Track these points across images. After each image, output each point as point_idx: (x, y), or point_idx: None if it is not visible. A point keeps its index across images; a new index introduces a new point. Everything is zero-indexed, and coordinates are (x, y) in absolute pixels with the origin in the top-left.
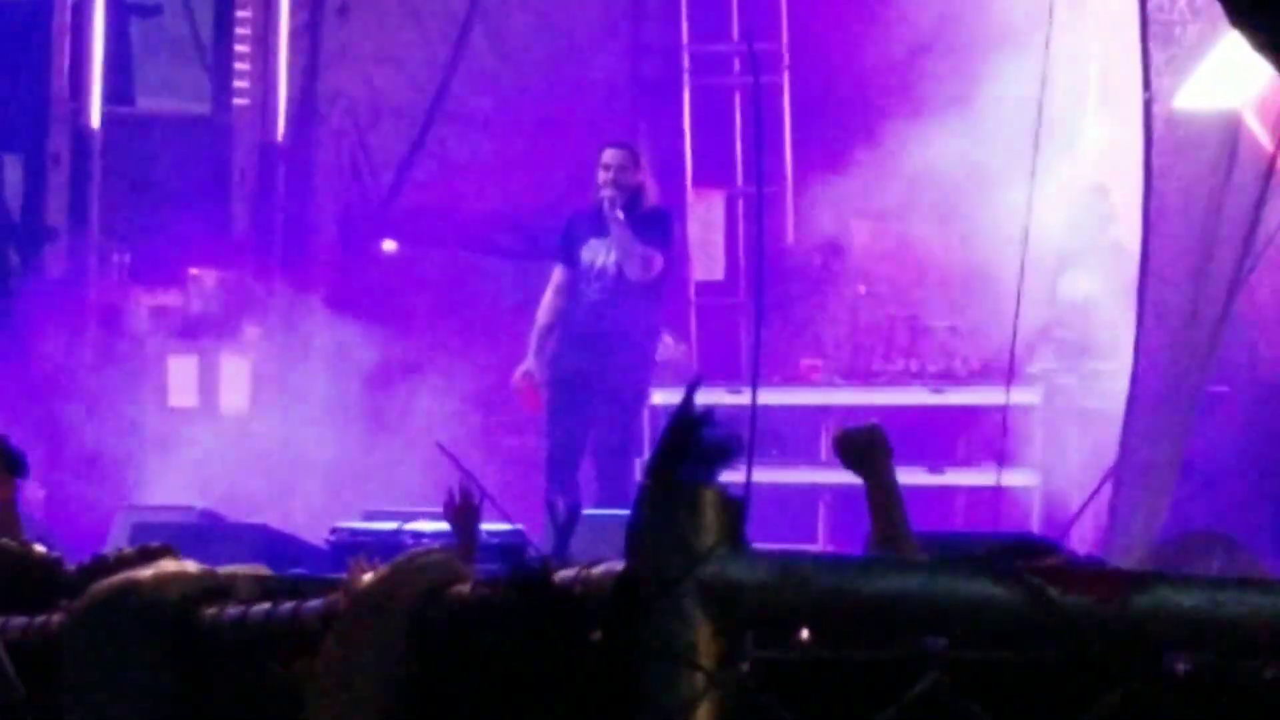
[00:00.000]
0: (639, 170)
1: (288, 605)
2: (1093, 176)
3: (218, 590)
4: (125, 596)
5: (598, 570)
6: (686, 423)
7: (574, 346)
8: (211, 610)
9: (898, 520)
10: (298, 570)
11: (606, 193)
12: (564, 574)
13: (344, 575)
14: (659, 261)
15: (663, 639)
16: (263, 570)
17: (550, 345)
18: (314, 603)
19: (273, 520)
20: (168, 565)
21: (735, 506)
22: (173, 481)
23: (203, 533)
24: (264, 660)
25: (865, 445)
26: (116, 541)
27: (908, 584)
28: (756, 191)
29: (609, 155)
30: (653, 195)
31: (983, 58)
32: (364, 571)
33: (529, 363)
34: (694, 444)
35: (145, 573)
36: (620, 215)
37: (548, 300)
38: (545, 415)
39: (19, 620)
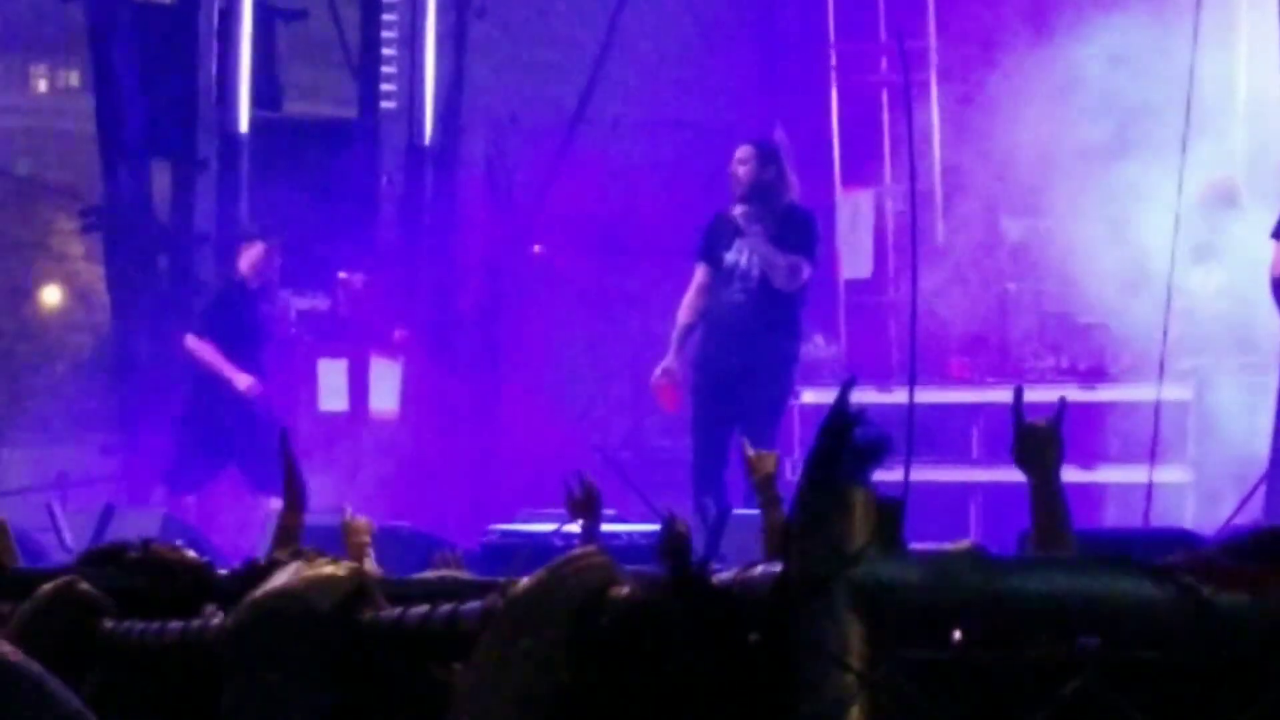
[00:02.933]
0: (769, 166)
1: (445, 608)
2: (1239, 174)
3: (370, 592)
4: (280, 605)
5: (755, 571)
6: (840, 423)
7: (717, 347)
8: (368, 614)
9: (1061, 522)
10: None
11: (737, 210)
12: (722, 575)
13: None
14: (806, 269)
15: (814, 640)
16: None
17: (691, 344)
18: (472, 605)
19: (423, 523)
20: (320, 569)
21: (891, 507)
22: (324, 484)
23: None
24: (422, 663)
25: (1045, 443)
26: (268, 544)
27: (1058, 583)
28: (910, 189)
29: (738, 151)
30: (791, 192)
31: (1132, 53)
32: (447, 564)
33: (669, 360)
34: (847, 444)
35: (297, 579)
36: (758, 229)
37: (689, 299)
38: (690, 416)
39: (174, 626)
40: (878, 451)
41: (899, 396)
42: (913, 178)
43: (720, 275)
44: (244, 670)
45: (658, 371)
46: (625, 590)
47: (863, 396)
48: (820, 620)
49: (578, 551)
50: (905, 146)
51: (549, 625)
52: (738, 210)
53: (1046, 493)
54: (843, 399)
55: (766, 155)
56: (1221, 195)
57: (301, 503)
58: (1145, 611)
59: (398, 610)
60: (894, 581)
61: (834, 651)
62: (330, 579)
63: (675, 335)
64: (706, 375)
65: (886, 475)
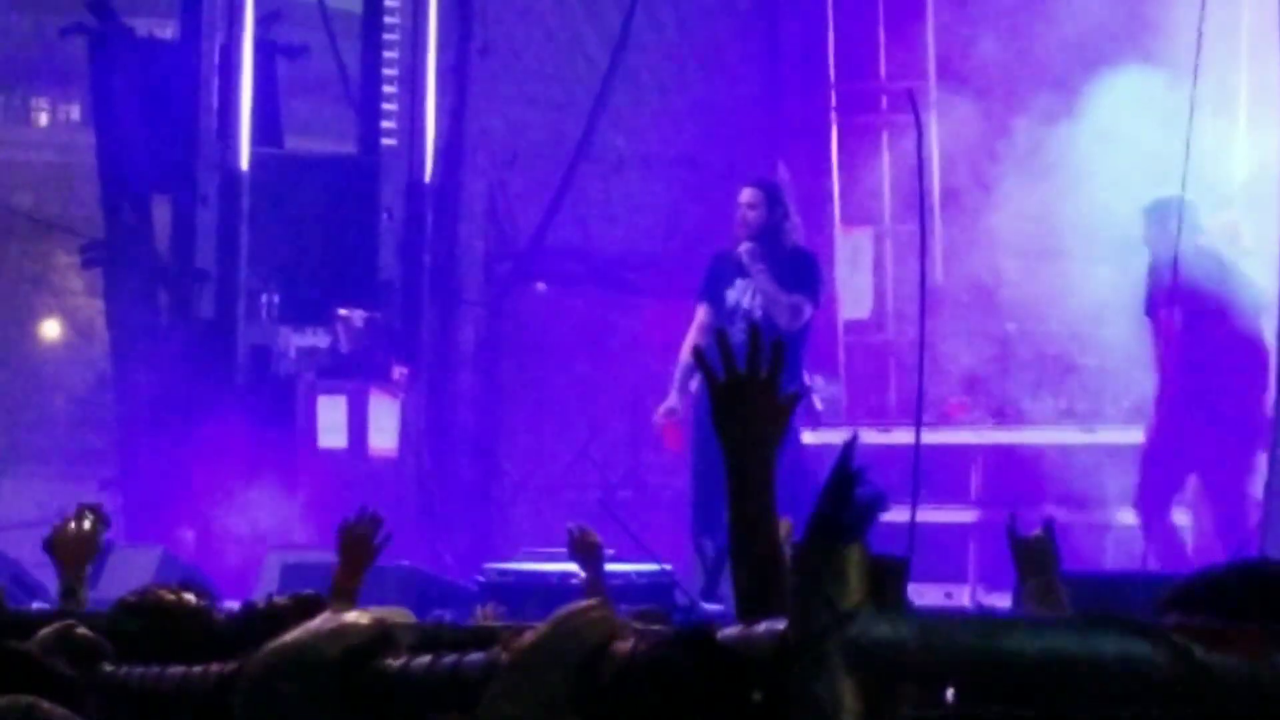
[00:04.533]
0: (776, 208)
1: (449, 658)
2: (1240, 207)
3: (378, 641)
4: (289, 657)
5: (760, 629)
6: (843, 482)
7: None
8: (375, 663)
9: (1050, 582)
10: (444, 612)
11: (743, 247)
12: (727, 632)
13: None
14: (809, 309)
15: (809, 697)
16: (406, 614)
17: (693, 383)
18: (474, 656)
19: (421, 561)
20: (338, 620)
21: (892, 565)
22: (322, 522)
23: None
24: (426, 713)
25: (1041, 555)
26: (266, 582)
27: (1052, 642)
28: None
29: (743, 194)
30: (795, 233)
31: (1133, 97)
32: (490, 619)
33: (672, 400)
34: (849, 503)
35: (308, 631)
36: (763, 267)
37: (690, 338)
38: (689, 455)
39: (176, 670)
40: (876, 510)
41: (899, 437)
42: (922, 218)
43: (722, 314)
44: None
45: (661, 410)
46: (629, 645)
47: (863, 437)
48: (815, 678)
49: (580, 605)
50: (908, 186)
51: (553, 679)
52: (743, 248)
53: (1048, 590)
54: (846, 458)
55: (773, 197)
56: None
57: (362, 569)
58: (1138, 672)
59: (402, 659)
60: (888, 640)
61: (827, 709)
62: (342, 629)
63: (678, 374)
64: (705, 413)
65: (892, 517)
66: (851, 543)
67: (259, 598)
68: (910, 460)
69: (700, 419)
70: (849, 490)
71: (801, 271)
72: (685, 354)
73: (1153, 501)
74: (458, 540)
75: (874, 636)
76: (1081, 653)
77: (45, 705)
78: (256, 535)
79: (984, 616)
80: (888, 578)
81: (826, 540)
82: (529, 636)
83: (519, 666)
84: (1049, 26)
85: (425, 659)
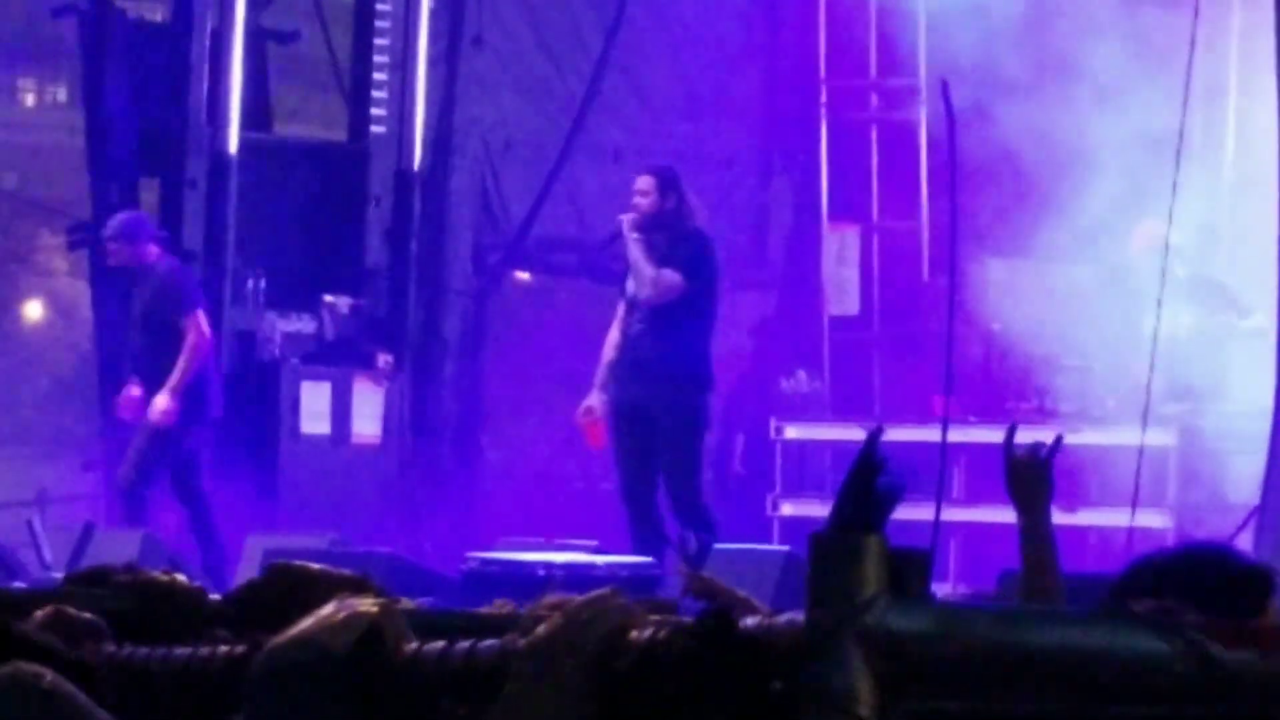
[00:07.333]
0: (670, 194)
1: (462, 645)
2: (1227, 213)
3: (388, 629)
4: (296, 653)
5: (781, 619)
6: (863, 472)
7: (621, 379)
8: (386, 651)
9: (1049, 560)
10: (428, 600)
11: (623, 218)
12: (748, 622)
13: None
14: (669, 278)
15: (822, 687)
16: (406, 602)
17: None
18: (489, 643)
19: (403, 548)
20: (343, 610)
21: (914, 557)
22: (304, 508)
23: (333, 560)
24: (438, 700)
25: (1035, 480)
26: (247, 567)
27: (1069, 636)
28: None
29: (639, 181)
30: (694, 217)
31: (1121, 93)
32: (506, 610)
33: (591, 398)
34: (867, 494)
35: (314, 624)
36: (637, 238)
37: (610, 334)
38: (612, 450)
39: (182, 651)
40: (896, 501)
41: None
42: (953, 213)
43: (626, 307)
44: (267, 715)
45: (580, 409)
46: (646, 633)
47: (846, 433)
48: (829, 668)
49: (597, 594)
50: (896, 183)
51: (571, 668)
52: (623, 218)
53: (1036, 530)
54: (870, 448)
55: (666, 184)
56: (1152, 243)
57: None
58: (1154, 667)
59: (413, 647)
60: (905, 631)
61: (840, 700)
62: (347, 621)
63: (598, 372)
64: (615, 407)
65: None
66: (870, 533)
67: (240, 582)
68: (895, 457)
69: (611, 414)
70: (870, 481)
71: (688, 250)
72: (605, 351)
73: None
74: (440, 529)
75: (891, 628)
76: (1100, 647)
77: (51, 676)
78: (237, 520)
79: (1003, 609)
80: (909, 570)
81: (845, 530)
82: (545, 626)
83: (536, 654)
84: (1040, 25)
85: (438, 646)
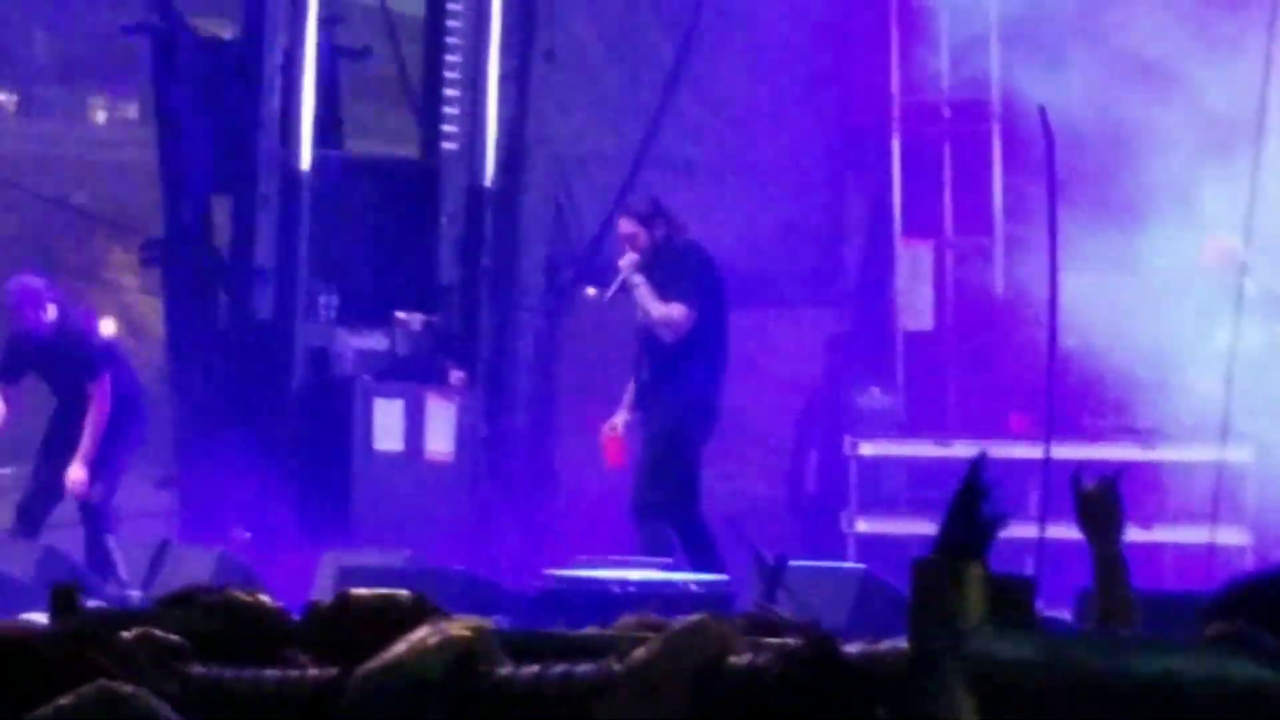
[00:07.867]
0: (657, 226)
1: (558, 668)
2: None
3: (481, 652)
4: (388, 678)
5: (884, 646)
6: (967, 500)
7: (637, 404)
8: (481, 675)
9: (1122, 583)
10: (500, 618)
11: (623, 261)
12: (851, 649)
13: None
14: (679, 311)
15: (926, 715)
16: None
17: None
18: (585, 667)
19: (476, 566)
20: (436, 635)
21: (1018, 584)
22: (378, 525)
23: (407, 577)
24: None
25: (1105, 509)
26: (322, 585)
27: (1177, 665)
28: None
29: (621, 226)
30: (685, 231)
31: (1197, 105)
32: (633, 629)
33: (616, 416)
34: (970, 521)
35: (406, 649)
36: (638, 280)
37: (637, 357)
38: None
39: (273, 674)
40: (998, 528)
41: (957, 450)
42: (1052, 233)
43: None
44: None
45: (607, 425)
46: (746, 659)
47: (921, 449)
48: (935, 696)
49: (695, 619)
50: (969, 198)
51: (671, 692)
52: (623, 261)
53: (1107, 556)
54: (973, 475)
55: (648, 218)
56: (1224, 257)
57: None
58: (1263, 696)
59: (507, 670)
60: (1009, 659)
61: None
62: (441, 645)
63: (627, 392)
64: (636, 428)
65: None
66: (973, 560)
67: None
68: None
69: (647, 432)
70: (974, 508)
71: (674, 279)
72: (638, 371)
73: None
74: (513, 546)
75: (995, 655)
76: (1208, 677)
77: (140, 695)
78: (312, 537)
79: (1108, 637)
80: (1013, 597)
81: (948, 558)
82: (644, 650)
83: (635, 678)
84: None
85: (533, 669)
